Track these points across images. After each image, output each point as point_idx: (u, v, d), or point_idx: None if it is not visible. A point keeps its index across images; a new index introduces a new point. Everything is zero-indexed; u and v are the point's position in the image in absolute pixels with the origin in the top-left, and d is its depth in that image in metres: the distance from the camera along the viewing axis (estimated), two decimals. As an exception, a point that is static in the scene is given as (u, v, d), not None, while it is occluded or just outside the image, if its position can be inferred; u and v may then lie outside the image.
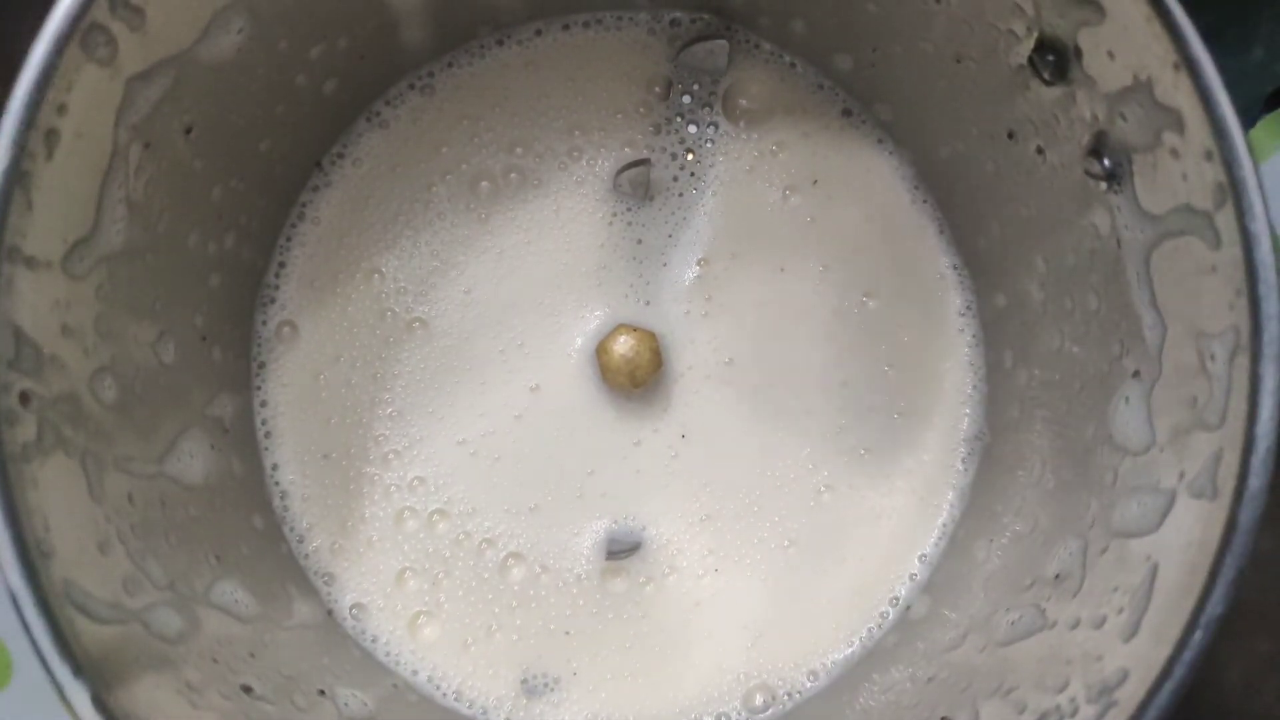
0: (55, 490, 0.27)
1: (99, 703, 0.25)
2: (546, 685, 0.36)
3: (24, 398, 0.26)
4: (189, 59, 0.30)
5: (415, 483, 0.37)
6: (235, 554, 0.34)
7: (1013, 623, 0.32)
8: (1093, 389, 0.32)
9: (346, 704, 0.33)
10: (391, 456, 0.37)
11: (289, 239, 0.38)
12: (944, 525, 0.37)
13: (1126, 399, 0.30)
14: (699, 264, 0.38)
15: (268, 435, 0.37)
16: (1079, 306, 0.33)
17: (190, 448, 0.34)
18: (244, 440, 0.37)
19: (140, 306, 0.31)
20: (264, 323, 0.38)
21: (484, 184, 0.38)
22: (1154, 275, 0.29)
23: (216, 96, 0.32)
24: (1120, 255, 0.30)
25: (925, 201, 0.38)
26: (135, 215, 0.30)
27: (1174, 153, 0.27)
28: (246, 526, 0.36)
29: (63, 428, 0.28)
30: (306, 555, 0.37)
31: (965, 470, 0.37)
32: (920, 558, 0.37)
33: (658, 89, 0.38)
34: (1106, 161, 0.29)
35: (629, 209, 0.38)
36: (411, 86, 0.38)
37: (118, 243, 0.30)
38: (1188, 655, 0.25)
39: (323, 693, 0.33)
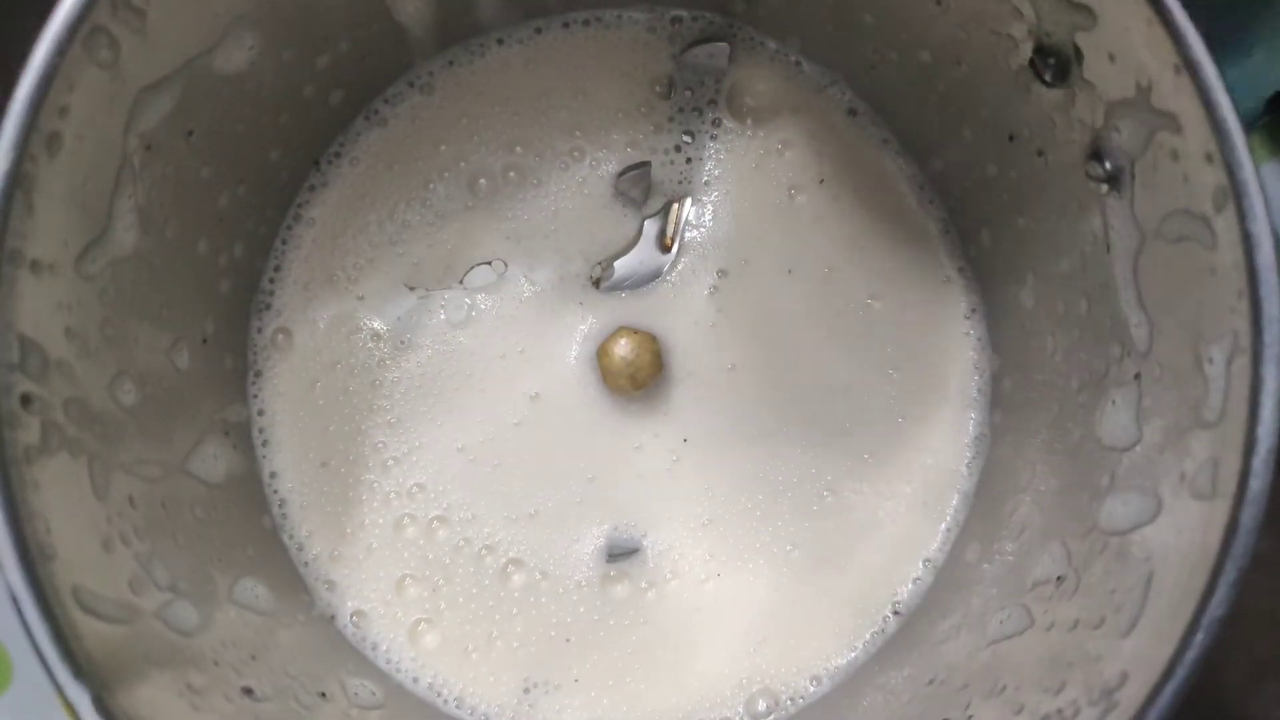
0: (57, 492, 0.26)
1: (100, 705, 0.25)
2: (548, 692, 0.36)
3: (25, 400, 0.26)
4: (198, 71, 0.30)
5: (415, 490, 0.37)
6: (249, 552, 0.34)
7: (1001, 621, 0.32)
8: (1091, 391, 0.32)
9: (356, 693, 0.34)
10: (391, 463, 0.37)
11: (284, 241, 0.38)
12: (947, 529, 0.37)
13: (1114, 401, 0.30)
14: (702, 265, 0.38)
15: (265, 443, 0.37)
16: (1072, 310, 0.33)
17: (213, 450, 0.34)
18: (252, 445, 0.37)
19: (148, 311, 0.31)
20: (259, 329, 0.37)
21: (482, 181, 0.38)
22: (1145, 277, 0.29)
23: (223, 106, 0.32)
24: (1110, 259, 0.30)
25: (931, 203, 0.38)
26: (143, 220, 0.30)
27: (1174, 155, 0.27)
28: (258, 527, 0.36)
29: (68, 430, 0.27)
30: (306, 563, 0.36)
31: (969, 474, 0.37)
32: (924, 561, 0.37)
33: (659, 88, 0.38)
34: (1108, 164, 0.29)
35: (630, 210, 0.38)
36: (411, 85, 0.38)
37: (126, 248, 0.30)
38: (1189, 657, 0.25)
39: (324, 695, 0.33)
